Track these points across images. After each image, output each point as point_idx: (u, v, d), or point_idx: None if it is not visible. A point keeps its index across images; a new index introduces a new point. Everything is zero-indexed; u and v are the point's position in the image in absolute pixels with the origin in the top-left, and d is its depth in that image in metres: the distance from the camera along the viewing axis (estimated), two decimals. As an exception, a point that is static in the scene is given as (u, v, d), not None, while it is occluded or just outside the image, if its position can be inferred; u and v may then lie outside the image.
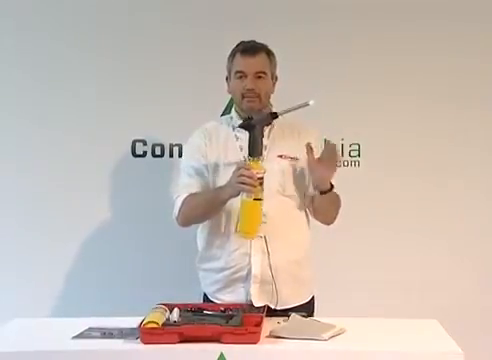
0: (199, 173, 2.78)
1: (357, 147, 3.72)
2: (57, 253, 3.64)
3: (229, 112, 2.93)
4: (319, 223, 2.86)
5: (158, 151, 3.72)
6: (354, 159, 3.74)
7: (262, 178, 2.53)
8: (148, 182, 3.69)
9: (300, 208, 2.80)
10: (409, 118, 3.71)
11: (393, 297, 3.54)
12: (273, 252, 2.72)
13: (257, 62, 2.74)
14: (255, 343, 2.26)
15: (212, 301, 2.79)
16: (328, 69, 3.67)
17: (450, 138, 3.72)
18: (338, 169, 2.71)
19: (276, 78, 2.84)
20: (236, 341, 2.24)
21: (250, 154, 2.57)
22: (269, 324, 2.44)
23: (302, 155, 2.73)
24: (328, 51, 3.66)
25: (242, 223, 2.59)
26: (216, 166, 2.76)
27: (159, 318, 2.36)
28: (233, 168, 2.64)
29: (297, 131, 2.83)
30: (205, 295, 2.87)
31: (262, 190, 2.54)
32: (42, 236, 3.66)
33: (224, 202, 2.67)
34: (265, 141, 2.71)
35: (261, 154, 2.58)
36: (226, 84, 2.85)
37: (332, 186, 2.72)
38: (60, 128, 3.68)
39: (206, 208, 2.74)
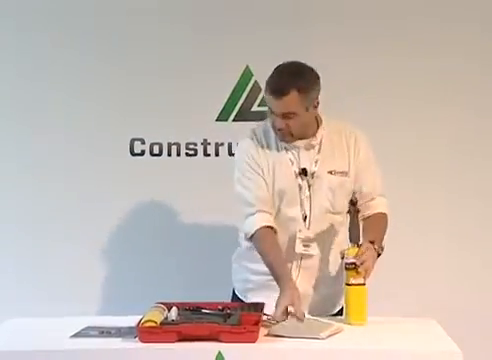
0: (262, 184, 2.70)
1: (357, 147, 3.71)
2: (56, 253, 3.64)
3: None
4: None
5: (156, 150, 3.70)
6: (354, 159, 3.73)
7: (353, 264, 2.51)
8: (146, 181, 3.69)
9: (344, 222, 2.76)
10: (408, 119, 3.70)
11: (393, 297, 3.53)
12: (314, 267, 2.73)
13: (284, 104, 2.62)
14: (253, 342, 2.26)
15: (242, 300, 2.77)
16: (327, 70, 3.65)
17: (450, 138, 3.71)
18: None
19: (318, 103, 2.71)
20: (234, 340, 2.24)
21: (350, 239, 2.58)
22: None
23: (351, 169, 2.73)
24: (327, 52, 3.65)
25: (350, 311, 2.54)
26: (271, 177, 2.70)
27: (157, 317, 2.36)
28: (287, 181, 2.67)
29: (345, 139, 2.77)
30: (234, 293, 2.85)
31: (361, 275, 2.51)
32: (41, 236, 3.66)
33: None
34: (316, 155, 2.72)
35: (358, 243, 2.56)
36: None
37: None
38: (58, 128, 3.69)
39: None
